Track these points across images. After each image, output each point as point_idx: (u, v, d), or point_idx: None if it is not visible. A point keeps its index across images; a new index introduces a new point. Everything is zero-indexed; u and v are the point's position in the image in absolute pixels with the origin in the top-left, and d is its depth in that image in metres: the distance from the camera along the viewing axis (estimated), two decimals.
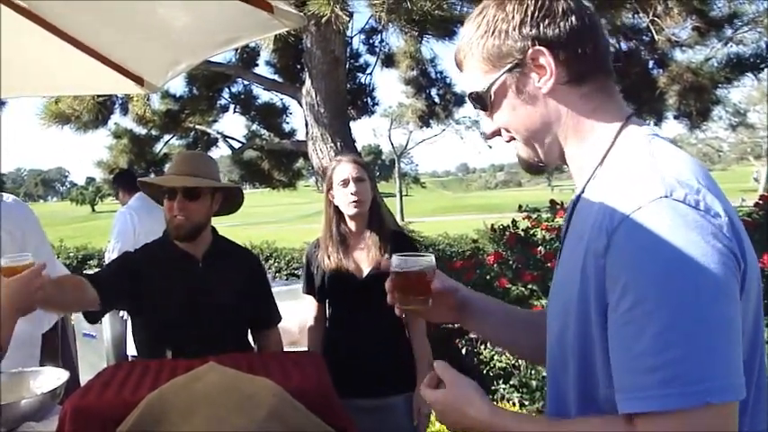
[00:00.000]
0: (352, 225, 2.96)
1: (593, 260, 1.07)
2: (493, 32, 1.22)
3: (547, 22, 1.18)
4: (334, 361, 2.89)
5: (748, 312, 1.06)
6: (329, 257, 2.94)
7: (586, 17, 1.19)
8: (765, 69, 8.18)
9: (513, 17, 1.20)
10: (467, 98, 1.32)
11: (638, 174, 1.07)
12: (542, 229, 6.22)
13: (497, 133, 1.31)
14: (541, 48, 1.18)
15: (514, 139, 1.28)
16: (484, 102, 1.27)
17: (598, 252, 1.05)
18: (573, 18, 1.18)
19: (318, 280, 3.00)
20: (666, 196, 1.00)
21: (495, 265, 6.07)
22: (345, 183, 2.89)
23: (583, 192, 1.21)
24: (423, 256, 1.49)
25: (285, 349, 3.03)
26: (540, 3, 1.19)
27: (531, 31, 1.18)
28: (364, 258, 2.93)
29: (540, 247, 6.01)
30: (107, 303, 2.47)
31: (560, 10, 1.18)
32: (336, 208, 2.95)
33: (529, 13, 1.18)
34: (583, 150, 1.22)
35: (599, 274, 1.05)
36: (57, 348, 3.81)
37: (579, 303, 1.10)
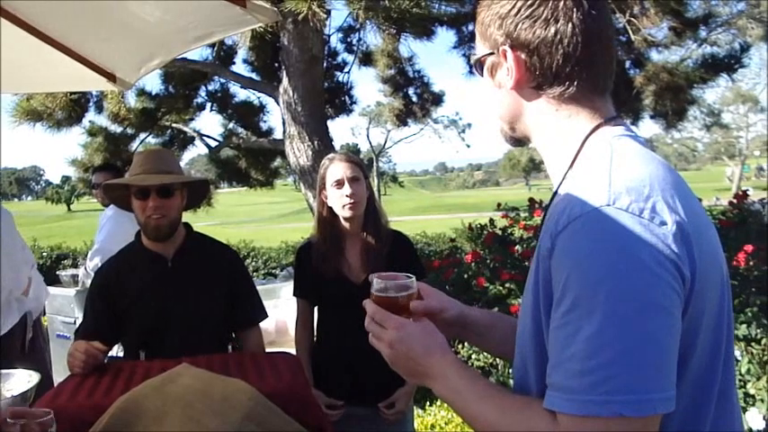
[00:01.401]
0: (346, 226, 2.83)
1: (541, 263, 1.09)
2: (489, 12, 1.24)
3: (526, 24, 1.18)
4: (326, 367, 2.85)
5: (701, 321, 1.06)
6: (323, 260, 2.82)
7: (578, 25, 1.16)
8: (739, 70, 8.28)
9: (504, 6, 1.21)
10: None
11: (590, 179, 1.09)
12: (520, 228, 6.24)
13: None
14: (509, 49, 1.20)
15: None
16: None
17: (544, 255, 1.08)
18: (554, 27, 1.16)
19: (310, 283, 2.89)
20: (609, 204, 1.02)
21: (472, 264, 6.08)
22: (340, 184, 2.76)
23: (556, 193, 1.22)
24: (404, 278, 1.44)
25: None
26: (530, 1, 1.18)
27: (509, 27, 1.19)
28: (360, 261, 2.82)
29: (518, 246, 6.03)
30: (113, 344, 2.70)
31: (544, 15, 1.17)
32: (330, 209, 2.83)
33: (516, 7, 1.19)
34: (554, 152, 1.24)
35: (545, 276, 1.08)
36: (21, 349, 3.81)
37: (533, 304, 1.13)
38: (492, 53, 1.24)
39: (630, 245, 0.99)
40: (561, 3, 1.16)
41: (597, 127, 1.19)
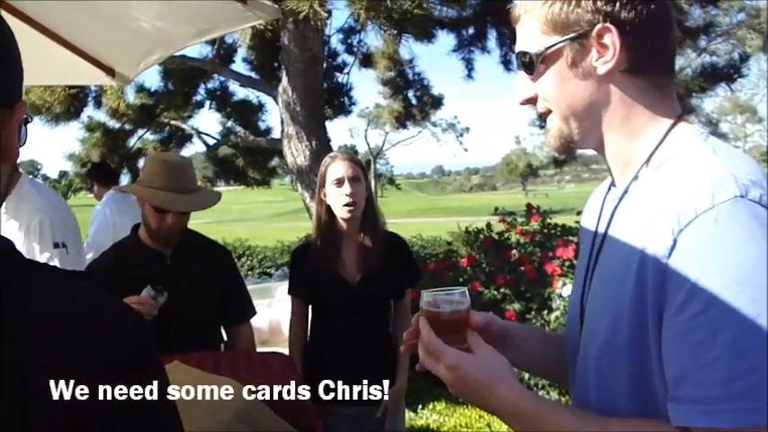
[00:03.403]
0: (344, 225, 2.82)
1: (652, 262, 0.99)
2: None
3: (625, 0, 1.09)
4: (318, 366, 2.82)
5: None
6: (319, 259, 2.81)
7: (667, 9, 1.11)
8: (738, 80, 8.30)
9: None
10: (514, 56, 1.20)
11: (707, 172, 0.99)
12: (517, 233, 6.24)
13: (533, 101, 1.22)
14: (611, 26, 1.09)
15: (551, 111, 1.19)
16: (532, 64, 1.17)
17: (660, 253, 0.98)
18: (653, 5, 1.09)
19: (306, 281, 2.88)
20: (742, 196, 0.93)
21: (468, 268, 6.07)
22: (340, 182, 2.74)
23: (626, 192, 1.14)
24: (453, 290, 1.29)
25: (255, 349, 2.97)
26: None
27: (605, 5, 1.09)
28: (355, 261, 2.82)
29: (514, 251, 6.03)
30: None
31: None
32: (328, 207, 2.81)
33: None
34: (630, 147, 1.15)
35: (658, 276, 0.98)
36: None
37: (634, 307, 1.02)
38: (577, 38, 1.12)
39: None
40: None
41: (674, 124, 1.12)
